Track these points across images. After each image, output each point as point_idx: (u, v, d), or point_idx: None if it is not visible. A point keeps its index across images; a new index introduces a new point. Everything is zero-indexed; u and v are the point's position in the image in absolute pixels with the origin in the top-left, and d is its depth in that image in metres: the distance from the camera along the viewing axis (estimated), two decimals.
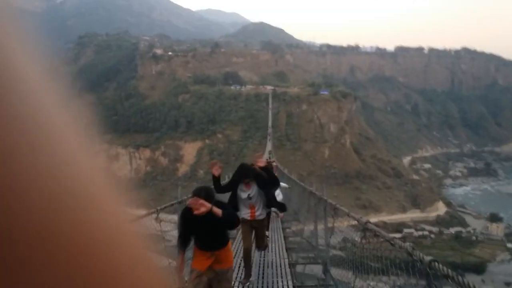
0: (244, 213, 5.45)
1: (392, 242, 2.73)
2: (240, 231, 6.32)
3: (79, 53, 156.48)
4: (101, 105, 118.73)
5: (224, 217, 3.70)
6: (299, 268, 6.59)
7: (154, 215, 5.00)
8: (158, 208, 5.12)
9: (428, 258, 2.30)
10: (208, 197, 3.71)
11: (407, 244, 2.58)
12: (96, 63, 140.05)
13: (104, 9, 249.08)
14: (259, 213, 5.43)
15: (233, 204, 5.30)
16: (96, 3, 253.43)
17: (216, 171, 5.03)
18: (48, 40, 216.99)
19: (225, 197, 5.38)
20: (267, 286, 5.44)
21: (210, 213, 3.59)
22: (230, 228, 4.14)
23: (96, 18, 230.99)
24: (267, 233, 7.08)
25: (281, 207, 6.17)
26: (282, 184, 10.01)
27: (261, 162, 5.59)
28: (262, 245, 5.88)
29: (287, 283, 5.57)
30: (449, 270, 2.14)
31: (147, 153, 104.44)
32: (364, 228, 3.37)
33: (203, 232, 3.86)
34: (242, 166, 5.35)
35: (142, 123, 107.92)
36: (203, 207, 3.54)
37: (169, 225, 5.95)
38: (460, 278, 2.02)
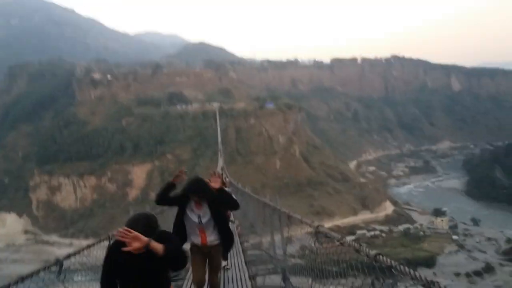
0: (194, 237, 4.51)
1: (342, 242, 2.95)
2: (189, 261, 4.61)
3: (11, 84, 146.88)
4: (38, 135, 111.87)
5: (168, 254, 2.68)
6: (259, 280, 6.71)
7: (106, 242, 4.62)
8: (110, 234, 4.77)
9: (373, 252, 2.45)
10: (149, 227, 2.77)
11: (355, 243, 2.80)
12: (30, 92, 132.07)
13: (35, 37, 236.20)
14: (213, 238, 4.48)
15: (179, 228, 4.46)
16: (26, 33, 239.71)
17: (178, 178, 4.43)
18: None
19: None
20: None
21: (147, 250, 2.62)
22: (175, 269, 3.01)
23: (26, 47, 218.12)
24: (224, 263, 6.66)
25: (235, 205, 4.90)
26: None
27: (216, 183, 4.49)
28: (215, 279, 4.82)
29: None
30: (392, 261, 2.26)
31: (92, 180, 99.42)
32: (316, 232, 3.59)
33: (132, 278, 2.76)
34: (195, 180, 4.39)
35: (85, 150, 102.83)
36: (136, 241, 2.60)
37: None
38: (402, 267, 2.12)
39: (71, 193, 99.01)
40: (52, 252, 68.97)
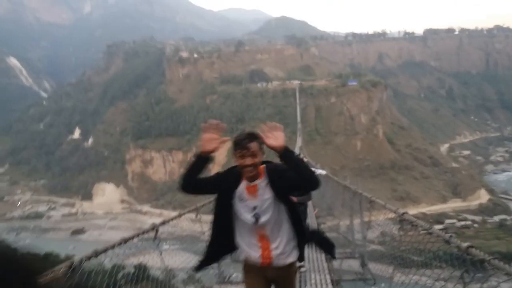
0: (249, 250, 2.76)
1: (430, 231, 2.58)
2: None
3: (109, 62, 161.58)
4: (133, 111, 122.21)
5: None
6: (336, 264, 6.44)
7: (193, 214, 4.96)
8: (198, 205, 5.11)
9: (465, 244, 2.28)
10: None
11: (444, 233, 2.44)
12: (126, 71, 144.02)
13: (129, 17, 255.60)
14: (281, 251, 2.74)
15: (223, 231, 2.82)
16: (121, 12, 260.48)
17: (211, 144, 2.90)
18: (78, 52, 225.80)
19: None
20: (305, 281, 5.35)
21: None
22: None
23: (122, 27, 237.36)
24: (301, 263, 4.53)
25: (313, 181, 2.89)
26: (318, 170, 9.62)
27: (276, 139, 2.87)
28: None
29: (325, 277, 5.50)
30: (486, 254, 2.12)
31: (179, 155, 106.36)
32: (401, 220, 3.21)
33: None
34: (239, 138, 2.95)
35: (173, 127, 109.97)
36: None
37: (207, 225, 5.78)
38: (496, 261, 2.04)
39: (161, 166, 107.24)
40: (145, 221, 75.68)
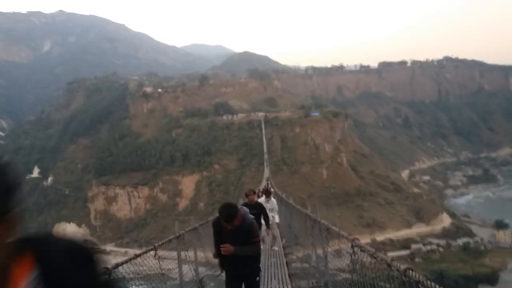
0: None
1: (375, 255, 2.82)
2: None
3: (69, 99, 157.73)
4: (95, 147, 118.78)
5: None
6: None
7: (152, 252, 4.84)
8: (156, 244, 4.97)
9: (403, 267, 2.43)
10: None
11: (387, 257, 2.69)
12: (87, 106, 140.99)
13: (90, 54, 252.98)
14: None
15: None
16: (82, 49, 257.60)
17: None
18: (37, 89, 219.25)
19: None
20: None
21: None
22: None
23: (83, 64, 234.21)
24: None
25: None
26: (274, 216, 10.48)
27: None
28: None
29: None
30: (420, 276, 2.23)
31: (145, 191, 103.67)
32: (352, 245, 3.44)
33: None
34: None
35: (138, 161, 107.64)
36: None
37: (172, 262, 5.69)
38: (430, 282, 2.11)
39: (126, 203, 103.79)
40: (108, 261, 71.89)
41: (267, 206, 9.57)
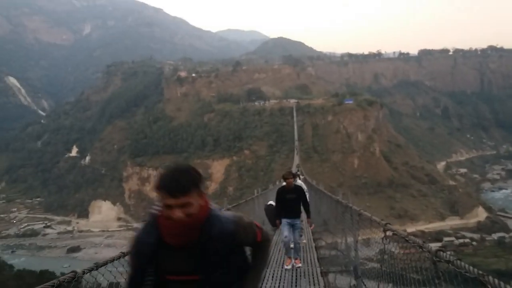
0: None
1: (407, 238, 2.82)
2: None
3: (108, 82, 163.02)
4: (131, 129, 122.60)
5: None
6: (331, 277, 6.63)
7: None
8: None
9: (435, 248, 2.45)
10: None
11: (419, 240, 2.71)
12: (124, 90, 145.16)
13: (129, 38, 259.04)
14: None
15: None
16: (121, 33, 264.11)
17: None
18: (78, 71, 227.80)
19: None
20: None
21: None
22: None
23: (121, 47, 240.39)
24: (299, 263, 7.40)
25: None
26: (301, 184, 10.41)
27: None
28: None
29: None
30: (452, 257, 2.23)
31: None
32: (384, 229, 3.44)
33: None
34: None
35: (171, 145, 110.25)
36: None
37: None
38: (462, 263, 2.10)
39: None
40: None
41: None
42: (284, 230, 6.83)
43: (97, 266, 2.94)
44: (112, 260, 3.18)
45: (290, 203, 6.82)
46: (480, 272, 1.84)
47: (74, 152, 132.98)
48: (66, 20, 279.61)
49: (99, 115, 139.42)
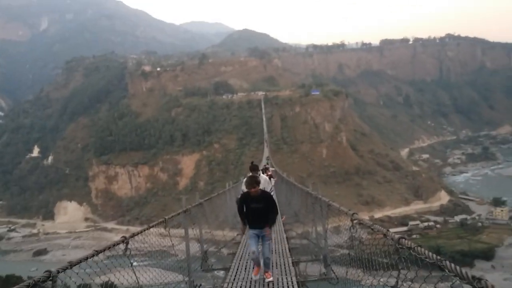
0: None
1: (372, 227, 2.97)
2: None
3: (68, 78, 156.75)
4: (95, 126, 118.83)
5: None
6: (302, 267, 6.79)
7: (152, 230, 4.81)
8: (166, 217, 5.11)
9: (397, 236, 2.60)
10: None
11: (382, 228, 2.85)
12: (86, 86, 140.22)
13: (88, 32, 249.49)
14: None
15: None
16: (80, 27, 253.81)
17: None
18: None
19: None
20: (273, 284, 5.62)
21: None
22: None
23: (81, 42, 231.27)
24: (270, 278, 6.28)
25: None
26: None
27: None
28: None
29: (291, 279, 5.81)
30: (412, 244, 2.36)
31: (145, 170, 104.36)
32: (351, 219, 3.58)
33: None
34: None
35: (138, 141, 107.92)
36: None
37: (175, 239, 5.64)
38: (422, 249, 2.20)
39: (126, 182, 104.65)
40: (110, 238, 73.50)
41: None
42: (251, 244, 5.75)
43: (71, 265, 2.90)
44: (86, 259, 3.14)
45: (256, 213, 5.69)
46: (439, 257, 1.91)
47: (35, 152, 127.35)
48: (22, 15, 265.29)
49: (61, 112, 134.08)
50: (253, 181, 5.71)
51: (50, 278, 2.52)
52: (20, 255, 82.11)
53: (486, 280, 1.40)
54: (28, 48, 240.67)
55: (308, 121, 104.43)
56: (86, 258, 3.11)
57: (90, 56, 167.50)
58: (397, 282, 2.53)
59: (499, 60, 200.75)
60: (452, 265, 1.74)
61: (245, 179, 6.43)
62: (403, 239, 2.50)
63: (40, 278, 2.46)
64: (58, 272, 2.62)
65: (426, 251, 2.13)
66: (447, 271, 1.77)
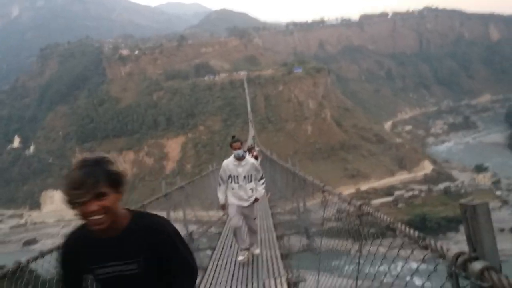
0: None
1: (339, 196, 3.11)
2: None
3: (43, 66, 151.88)
4: (75, 114, 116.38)
5: None
6: (285, 240, 6.91)
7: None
8: (145, 203, 5.15)
9: (358, 203, 2.74)
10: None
11: (347, 197, 3.00)
12: (62, 73, 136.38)
13: (61, 18, 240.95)
14: None
15: None
16: (52, 13, 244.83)
17: None
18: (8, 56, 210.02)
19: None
20: (257, 258, 5.69)
21: None
22: None
23: (54, 28, 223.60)
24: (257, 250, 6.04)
25: None
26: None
27: None
28: None
29: (275, 252, 5.92)
30: (371, 209, 2.49)
31: (131, 155, 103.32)
32: (323, 191, 3.66)
33: None
34: None
35: (120, 127, 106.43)
36: None
37: None
38: (379, 214, 2.30)
39: None
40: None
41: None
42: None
43: (42, 255, 2.85)
44: (58, 248, 3.07)
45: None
46: (391, 220, 2.02)
47: (16, 143, 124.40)
48: None
49: (39, 102, 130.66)
50: (237, 140, 5.26)
51: (20, 269, 2.46)
52: (10, 246, 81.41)
53: (430, 238, 1.50)
54: (0, 37, 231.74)
55: (292, 99, 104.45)
56: (58, 247, 3.04)
57: (65, 42, 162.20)
58: (360, 246, 2.66)
59: (476, 31, 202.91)
60: (403, 226, 1.82)
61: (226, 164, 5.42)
62: (363, 205, 2.61)
63: (9, 269, 2.40)
64: (28, 262, 2.56)
65: (382, 215, 2.21)
66: (397, 233, 1.88)
